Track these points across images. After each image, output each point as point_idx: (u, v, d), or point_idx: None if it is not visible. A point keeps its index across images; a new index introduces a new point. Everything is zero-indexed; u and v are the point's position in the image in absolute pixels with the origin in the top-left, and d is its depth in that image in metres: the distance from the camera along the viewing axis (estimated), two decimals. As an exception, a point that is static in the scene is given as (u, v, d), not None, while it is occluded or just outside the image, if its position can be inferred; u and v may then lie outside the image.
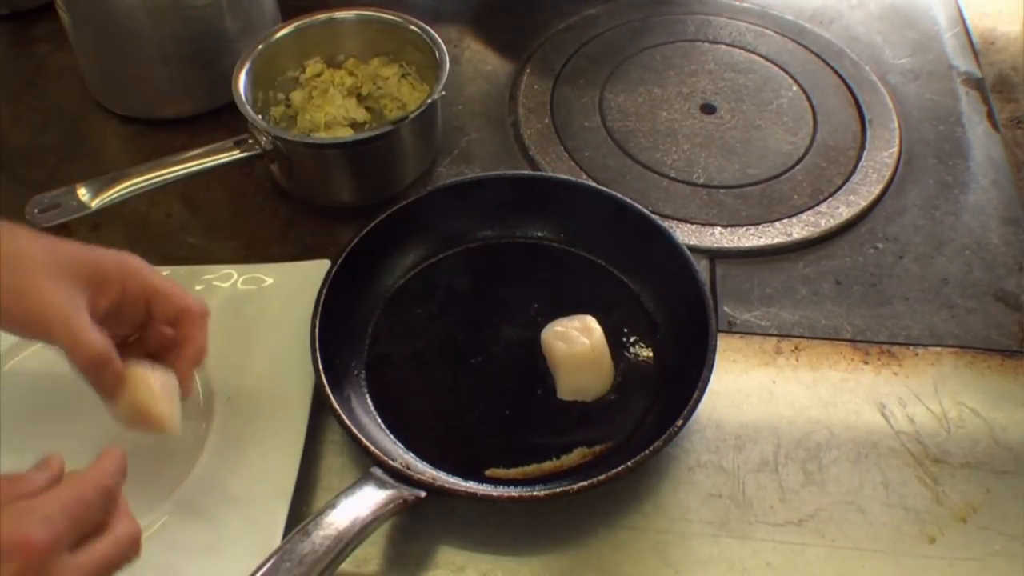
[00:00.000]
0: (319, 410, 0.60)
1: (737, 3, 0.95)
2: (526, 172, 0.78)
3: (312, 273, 0.64)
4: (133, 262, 0.54)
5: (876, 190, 0.76)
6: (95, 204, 0.66)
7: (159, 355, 0.55)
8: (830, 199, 0.76)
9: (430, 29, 0.77)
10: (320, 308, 0.61)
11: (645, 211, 0.67)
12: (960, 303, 0.69)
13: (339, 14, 0.79)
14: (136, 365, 0.53)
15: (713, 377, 0.58)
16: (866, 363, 0.65)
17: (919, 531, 0.56)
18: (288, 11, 0.83)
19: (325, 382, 0.58)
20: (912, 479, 0.59)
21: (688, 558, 0.55)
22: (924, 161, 0.79)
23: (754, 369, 0.65)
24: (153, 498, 0.56)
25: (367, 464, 0.54)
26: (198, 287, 0.67)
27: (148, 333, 0.56)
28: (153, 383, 0.53)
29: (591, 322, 0.62)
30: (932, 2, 0.96)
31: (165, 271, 0.68)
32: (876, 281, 0.70)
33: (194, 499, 0.56)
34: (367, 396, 0.62)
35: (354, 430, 0.56)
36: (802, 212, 0.75)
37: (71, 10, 0.78)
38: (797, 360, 0.65)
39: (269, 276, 0.68)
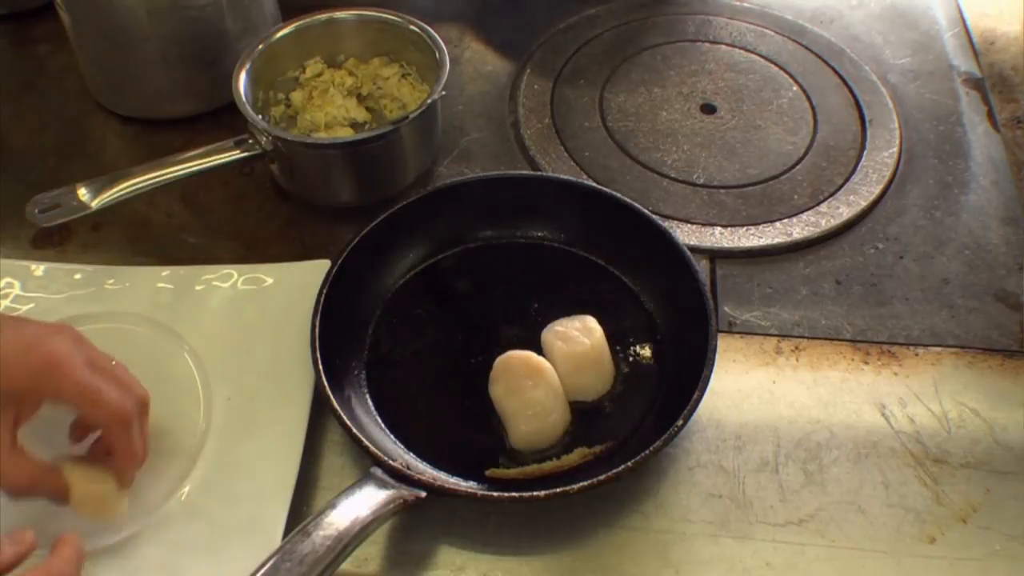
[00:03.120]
0: (319, 410, 0.60)
1: (737, 3, 0.95)
2: (526, 172, 0.78)
3: (312, 273, 0.64)
4: (49, 381, 0.50)
5: (876, 190, 0.76)
6: (95, 204, 0.66)
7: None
8: (830, 199, 0.76)
9: (430, 29, 0.77)
10: (320, 308, 0.61)
11: (645, 211, 0.67)
12: (960, 303, 0.69)
13: (339, 14, 0.79)
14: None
15: (713, 377, 0.58)
16: (866, 363, 0.65)
17: (919, 531, 0.56)
18: (288, 11, 0.83)
19: (325, 382, 0.58)
20: (912, 479, 0.59)
21: (688, 558, 0.55)
22: (924, 161, 0.79)
23: (754, 369, 0.65)
24: (153, 498, 0.56)
25: (367, 464, 0.54)
26: (198, 287, 0.67)
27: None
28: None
29: (591, 322, 0.62)
30: (932, 2, 0.96)
31: (165, 271, 0.68)
32: (876, 281, 0.70)
33: (194, 499, 0.56)
34: (367, 396, 0.62)
35: (354, 430, 0.56)
36: (802, 212, 0.75)
37: (71, 10, 0.78)
38: (797, 360, 0.65)
39: (269, 276, 0.68)
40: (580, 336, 0.61)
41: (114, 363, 0.55)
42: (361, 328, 0.66)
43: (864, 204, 0.75)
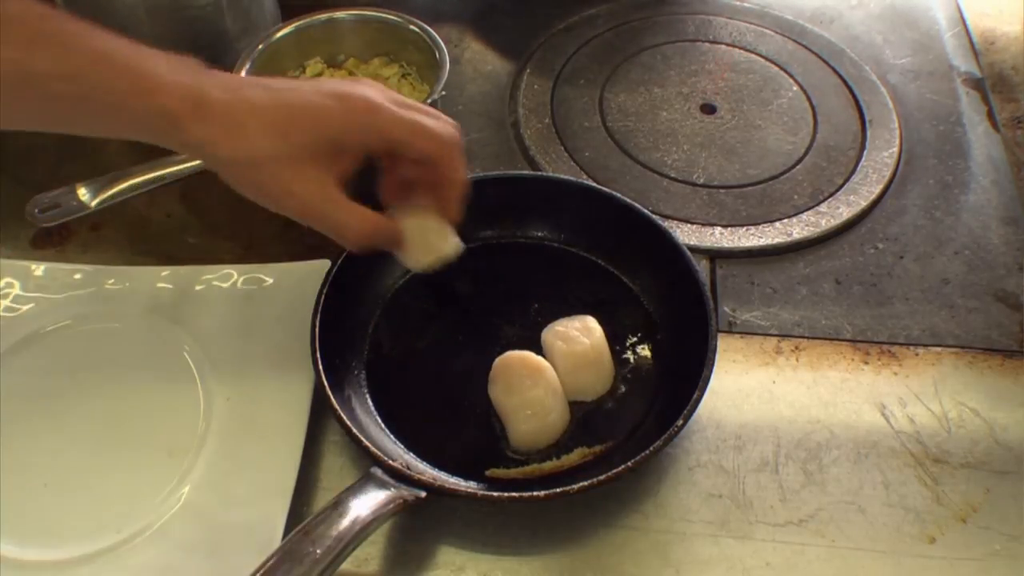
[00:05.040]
0: (319, 410, 0.60)
1: (737, 3, 0.95)
2: (526, 172, 0.78)
3: (312, 273, 0.64)
4: (371, 120, 0.50)
5: (876, 190, 0.76)
6: (95, 204, 0.66)
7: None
8: (830, 199, 0.76)
9: (430, 29, 0.77)
10: (320, 308, 0.61)
11: (645, 211, 0.67)
12: (960, 303, 0.69)
13: (339, 14, 0.79)
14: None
15: (713, 377, 0.58)
16: (866, 363, 0.65)
17: (919, 531, 0.56)
18: (288, 11, 0.83)
19: (325, 382, 0.58)
20: (912, 479, 0.59)
21: (688, 558, 0.55)
22: (924, 161, 0.79)
23: (754, 369, 0.65)
24: (153, 498, 0.56)
25: (367, 464, 0.54)
26: (198, 287, 0.67)
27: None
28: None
29: (591, 322, 0.62)
30: (932, 2, 0.96)
31: (165, 271, 0.68)
32: (876, 281, 0.70)
33: (194, 499, 0.56)
34: (367, 396, 0.62)
35: (354, 430, 0.55)
36: (802, 212, 0.75)
37: (71, 10, 0.78)
38: (797, 360, 0.65)
39: (269, 276, 0.68)
40: (580, 336, 0.61)
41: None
42: (361, 328, 0.66)
43: (864, 204, 0.75)
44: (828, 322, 0.68)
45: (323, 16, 0.79)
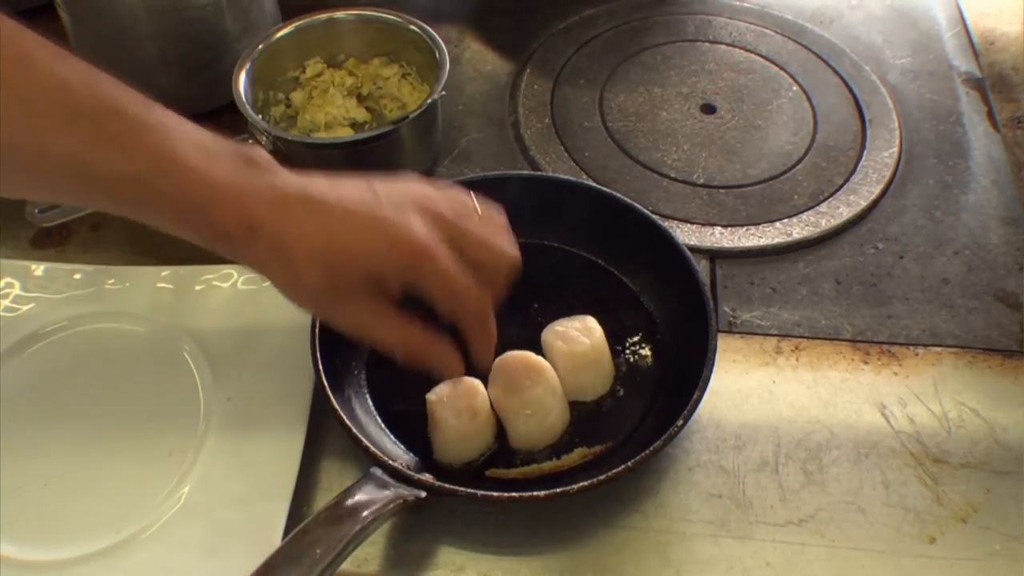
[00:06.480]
0: (319, 410, 0.59)
1: (737, 3, 0.95)
2: (526, 172, 0.78)
3: (312, 273, 0.64)
4: (416, 273, 0.51)
5: (876, 190, 0.76)
6: (95, 204, 0.66)
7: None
8: (830, 199, 0.76)
9: (430, 29, 0.77)
10: (320, 308, 0.61)
11: (645, 211, 0.67)
12: (960, 303, 0.69)
13: (339, 14, 0.79)
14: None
15: (713, 377, 0.58)
16: (866, 363, 0.65)
17: (919, 531, 0.56)
18: (288, 11, 0.83)
19: (325, 382, 0.58)
20: (912, 479, 0.59)
21: (688, 558, 0.55)
22: (924, 161, 0.79)
23: (754, 369, 0.65)
24: (153, 498, 0.56)
25: (367, 464, 0.54)
26: (198, 287, 0.67)
27: None
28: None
29: (591, 322, 0.62)
30: (932, 2, 0.96)
31: (165, 271, 0.68)
32: (876, 281, 0.70)
33: (194, 499, 0.56)
34: (367, 396, 0.62)
35: (354, 430, 0.55)
36: (802, 212, 0.75)
37: (71, 10, 0.78)
38: (797, 360, 0.65)
39: (269, 276, 0.68)
40: (580, 336, 0.61)
41: (479, 217, 0.54)
42: (361, 328, 0.66)
43: (864, 204, 0.75)
44: (828, 322, 0.68)
45: (323, 16, 0.79)
